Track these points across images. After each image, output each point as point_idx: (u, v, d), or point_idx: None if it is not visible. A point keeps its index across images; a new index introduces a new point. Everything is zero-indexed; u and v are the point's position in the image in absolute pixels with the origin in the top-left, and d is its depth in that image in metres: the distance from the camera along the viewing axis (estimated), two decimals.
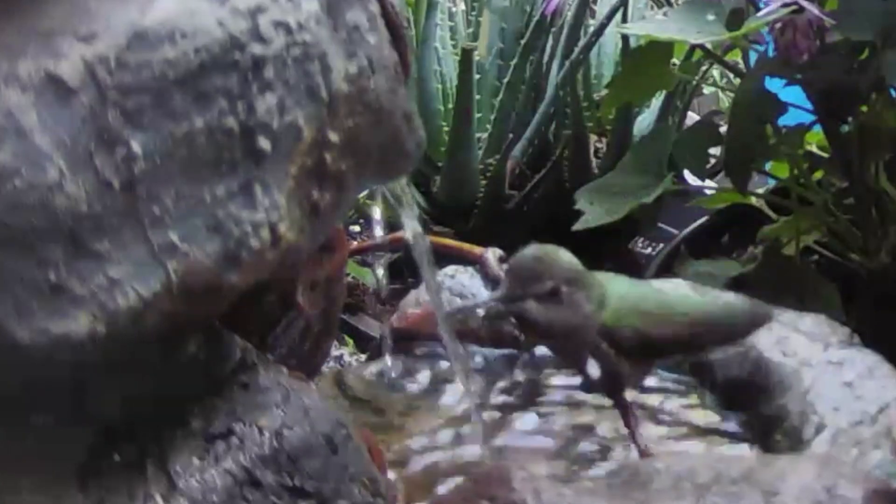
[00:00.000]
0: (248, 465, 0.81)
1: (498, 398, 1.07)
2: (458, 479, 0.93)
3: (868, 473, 0.89)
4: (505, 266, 0.98)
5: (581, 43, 1.65)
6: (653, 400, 1.05)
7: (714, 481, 0.83)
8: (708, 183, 1.42)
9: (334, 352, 1.38)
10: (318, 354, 1.03)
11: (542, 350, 1.11)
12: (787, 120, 1.30)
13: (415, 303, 1.14)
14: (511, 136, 1.66)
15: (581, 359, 0.96)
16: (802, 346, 1.02)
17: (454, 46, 1.73)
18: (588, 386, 1.01)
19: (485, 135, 1.68)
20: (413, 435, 1.02)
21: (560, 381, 1.09)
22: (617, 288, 0.96)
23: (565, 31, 1.67)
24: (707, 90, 1.88)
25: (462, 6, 1.77)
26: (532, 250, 0.94)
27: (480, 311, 1.07)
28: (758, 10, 1.23)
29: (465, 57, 1.59)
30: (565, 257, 0.94)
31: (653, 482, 0.84)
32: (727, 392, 1.04)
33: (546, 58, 1.68)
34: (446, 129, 1.67)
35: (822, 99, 1.28)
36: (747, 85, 1.30)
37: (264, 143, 0.78)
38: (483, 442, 0.98)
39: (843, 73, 1.26)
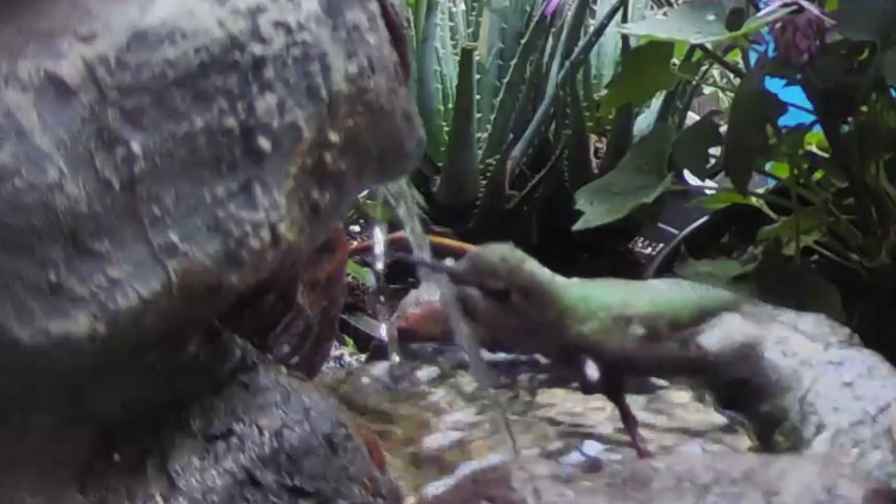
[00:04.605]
0: (248, 465, 0.81)
1: (497, 398, 1.07)
2: (459, 479, 0.93)
3: (868, 473, 0.89)
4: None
5: (581, 43, 1.65)
6: (652, 399, 1.05)
7: (714, 481, 0.83)
8: (708, 183, 1.42)
9: (334, 352, 1.38)
10: (318, 354, 1.03)
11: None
12: (787, 120, 1.30)
13: (415, 303, 1.14)
14: (511, 136, 1.66)
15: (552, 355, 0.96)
16: (802, 346, 1.02)
17: (454, 46, 1.73)
18: (587, 387, 1.01)
19: (485, 135, 1.68)
20: (413, 434, 1.02)
21: (559, 381, 1.09)
22: (606, 299, 0.94)
23: (565, 31, 1.67)
24: (707, 90, 1.88)
25: (462, 6, 1.77)
26: (500, 248, 0.92)
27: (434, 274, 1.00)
28: (758, 10, 1.23)
29: (465, 57, 1.59)
30: (527, 267, 0.92)
31: (653, 482, 0.84)
32: (727, 392, 1.04)
33: (546, 58, 1.68)
34: (446, 129, 1.67)
35: (822, 99, 1.28)
36: (747, 85, 1.30)
37: (264, 143, 0.78)
38: (503, 429, 0.98)
39: (843, 73, 1.26)
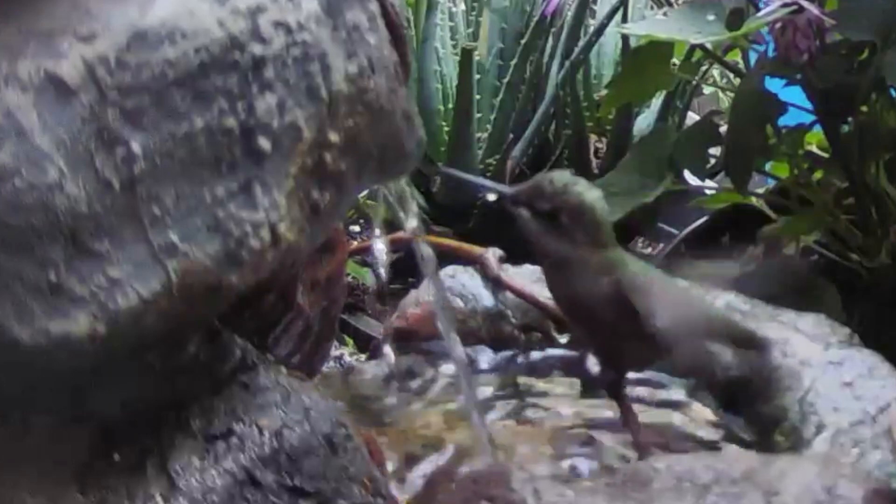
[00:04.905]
0: (248, 465, 0.81)
1: (497, 398, 1.07)
2: (458, 479, 0.93)
3: (868, 473, 0.89)
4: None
5: (581, 43, 1.65)
6: (653, 400, 1.05)
7: (714, 481, 0.83)
8: (708, 183, 1.42)
9: (334, 352, 1.38)
10: (317, 354, 1.02)
11: (541, 351, 1.11)
12: (787, 120, 1.30)
13: (415, 303, 1.15)
14: (511, 136, 1.66)
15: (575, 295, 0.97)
16: (802, 346, 1.02)
17: (454, 46, 1.73)
18: (588, 384, 1.01)
19: (485, 135, 1.69)
20: (412, 435, 1.02)
21: (560, 380, 1.09)
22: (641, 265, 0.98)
23: (565, 31, 1.67)
24: (707, 90, 1.88)
25: (462, 6, 1.77)
26: (557, 173, 0.97)
27: (492, 196, 1.06)
28: (758, 10, 1.23)
29: (465, 57, 1.59)
30: (577, 189, 0.95)
31: (653, 482, 0.84)
32: (727, 392, 1.04)
33: (546, 58, 1.68)
34: (446, 129, 1.67)
35: (822, 99, 1.28)
36: (747, 85, 1.30)
37: (264, 143, 0.78)
38: (482, 442, 0.98)
39: (843, 73, 1.26)
